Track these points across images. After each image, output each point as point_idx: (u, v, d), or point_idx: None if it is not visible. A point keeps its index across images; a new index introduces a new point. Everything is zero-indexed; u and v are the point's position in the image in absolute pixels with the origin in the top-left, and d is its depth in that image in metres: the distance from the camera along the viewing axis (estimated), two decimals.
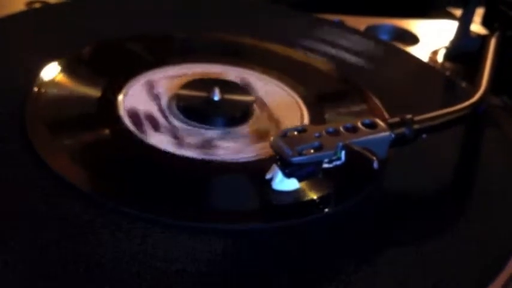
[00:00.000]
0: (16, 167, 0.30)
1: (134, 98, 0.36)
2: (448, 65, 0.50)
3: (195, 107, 0.35)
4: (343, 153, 0.29)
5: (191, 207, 0.29)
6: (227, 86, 0.37)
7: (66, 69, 0.37)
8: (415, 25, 0.57)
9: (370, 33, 0.54)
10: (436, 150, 0.35)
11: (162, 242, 0.27)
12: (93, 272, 0.25)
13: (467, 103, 0.34)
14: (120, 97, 0.35)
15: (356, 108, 0.39)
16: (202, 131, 0.34)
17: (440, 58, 0.51)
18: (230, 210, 0.30)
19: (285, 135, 0.29)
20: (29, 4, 0.50)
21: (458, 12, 0.61)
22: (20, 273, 0.24)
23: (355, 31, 0.51)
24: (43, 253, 0.25)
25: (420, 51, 0.52)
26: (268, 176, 0.30)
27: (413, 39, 0.54)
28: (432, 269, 0.28)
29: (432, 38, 0.54)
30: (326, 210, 0.30)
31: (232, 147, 0.33)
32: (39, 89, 0.35)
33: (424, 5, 0.67)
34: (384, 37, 0.55)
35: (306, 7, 0.55)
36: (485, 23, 0.50)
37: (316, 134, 0.29)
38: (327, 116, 0.37)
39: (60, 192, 0.28)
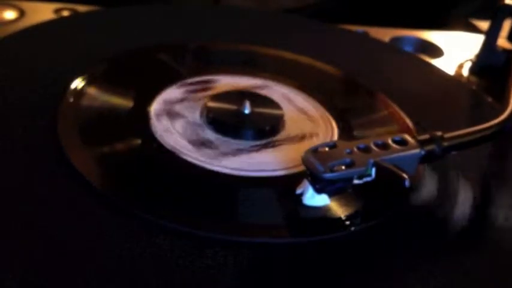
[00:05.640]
0: (50, 177, 0.30)
1: (165, 110, 0.36)
2: (473, 78, 0.50)
3: (226, 120, 0.35)
4: (373, 170, 0.29)
5: (220, 220, 0.29)
6: (257, 99, 0.37)
7: (98, 78, 0.37)
8: (438, 37, 0.56)
9: (394, 44, 0.54)
10: (463, 169, 0.35)
11: (193, 254, 0.27)
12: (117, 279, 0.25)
13: (496, 120, 0.34)
14: (152, 108, 0.36)
15: (383, 122, 0.39)
16: (232, 143, 0.34)
17: (465, 72, 0.51)
18: (259, 224, 0.30)
19: (315, 150, 0.29)
20: (57, 11, 0.51)
21: (479, 23, 0.61)
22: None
23: (379, 43, 0.51)
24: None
25: (445, 64, 0.52)
26: (298, 191, 0.30)
27: (437, 52, 0.54)
28: None
29: (456, 50, 0.54)
30: (356, 226, 0.30)
31: (262, 161, 0.33)
32: (71, 98, 0.35)
33: (445, 16, 0.67)
34: (408, 49, 0.55)
35: (329, 18, 0.55)
36: (511, 37, 0.50)
37: (347, 151, 0.29)
38: (354, 130, 0.37)
39: (92, 201, 0.29)
